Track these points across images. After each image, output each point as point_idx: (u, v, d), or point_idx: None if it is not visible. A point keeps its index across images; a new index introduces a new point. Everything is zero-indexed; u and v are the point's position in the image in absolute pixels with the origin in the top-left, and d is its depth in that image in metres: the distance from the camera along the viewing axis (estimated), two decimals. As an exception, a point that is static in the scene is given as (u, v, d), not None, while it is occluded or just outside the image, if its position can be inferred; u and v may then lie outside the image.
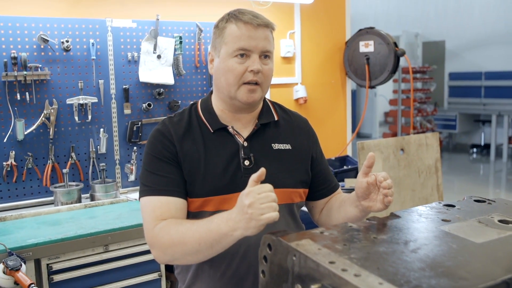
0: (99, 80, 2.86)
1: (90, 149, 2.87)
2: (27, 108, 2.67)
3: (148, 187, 1.36)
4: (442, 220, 1.04)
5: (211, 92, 1.51)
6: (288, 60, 3.64)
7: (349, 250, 0.87)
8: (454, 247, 0.89)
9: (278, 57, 3.55)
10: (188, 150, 1.39)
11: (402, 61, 4.39)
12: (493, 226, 0.99)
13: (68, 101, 2.77)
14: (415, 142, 2.81)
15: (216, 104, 1.47)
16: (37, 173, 2.72)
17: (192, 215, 1.38)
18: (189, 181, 1.37)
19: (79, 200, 2.69)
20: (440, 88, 10.25)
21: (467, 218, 1.05)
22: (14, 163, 2.64)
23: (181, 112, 1.49)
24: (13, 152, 2.64)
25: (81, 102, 2.79)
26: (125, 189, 2.98)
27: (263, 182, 1.15)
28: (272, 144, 1.46)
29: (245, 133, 1.45)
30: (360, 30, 3.80)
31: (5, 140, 2.62)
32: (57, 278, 2.06)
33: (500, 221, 1.02)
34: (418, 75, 9.44)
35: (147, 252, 2.12)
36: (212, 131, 1.43)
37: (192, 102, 1.54)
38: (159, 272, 2.32)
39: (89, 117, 2.82)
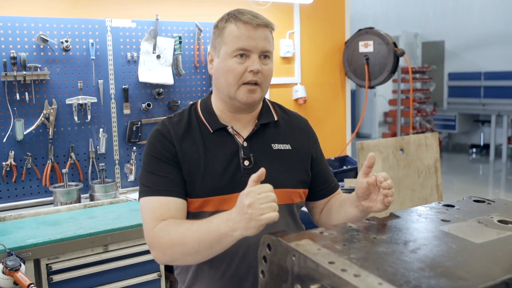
0: (99, 80, 2.86)
1: (90, 149, 2.86)
2: (27, 108, 2.67)
3: (148, 188, 1.36)
4: (442, 220, 1.04)
5: (211, 92, 1.51)
6: (287, 60, 3.64)
7: (349, 250, 0.87)
8: (453, 247, 0.89)
9: (277, 57, 3.55)
10: (187, 150, 1.39)
11: (402, 61, 4.39)
12: (492, 226, 0.99)
13: (68, 101, 2.77)
14: (414, 142, 2.81)
15: (216, 104, 1.47)
16: (36, 173, 2.72)
17: (191, 215, 1.38)
18: (188, 181, 1.37)
19: (78, 200, 2.68)
20: (439, 88, 10.25)
21: (466, 218, 1.05)
22: (13, 163, 2.64)
23: (181, 113, 1.49)
24: (13, 152, 2.64)
25: (80, 102, 2.79)
26: (124, 189, 2.98)
27: (263, 182, 1.15)
28: (272, 144, 1.46)
29: (245, 133, 1.45)
30: (360, 30, 3.80)
31: (4, 140, 2.61)
32: (57, 278, 2.06)
33: (499, 221, 1.02)
34: (417, 75, 9.44)
35: (147, 252, 2.12)
36: (211, 131, 1.43)
37: (191, 103, 1.53)
38: (159, 272, 2.31)
39: (89, 117, 2.82)
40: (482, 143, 10.10)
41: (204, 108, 1.47)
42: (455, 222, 1.02)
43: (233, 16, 1.39)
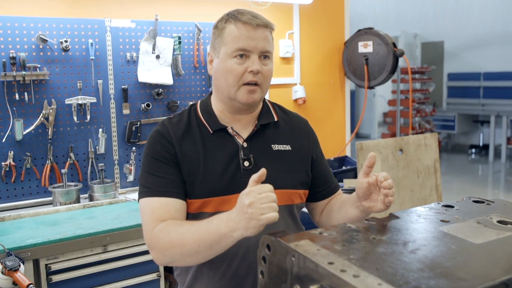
0: (98, 80, 2.86)
1: (89, 149, 2.86)
2: (26, 108, 2.67)
3: (147, 188, 1.36)
4: (441, 220, 1.04)
5: (211, 93, 1.51)
6: (287, 60, 3.65)
7: (348, 250, 0.87)
8: (453, 247, 0.89)
9: (277, 57, 3.55)
10: (187, 151, 1.39)
11: (401, 62, 4.39)
12: (492, 227, 0.99)
13: (67, 101, 2.77)
14: (414, 142, 2.81)
15: (216, 105, 1.47)
16: (35, 173, 2.71)
17: (191, 216, 1.38)
18: (188, 182, 1.37)
19: (77, 201, 2.68)
20: (438, 88, 10.26)
21: (466, 218, 1.05)
22: (12, 163, 2.64)
23: (181, 113, 1.49)
24: (12, 152, 2.64)
25: (80, 102, 2.79)
26: (124, 189, 2.98)
27: (263, 182, 1.15)
28: (272, 145, 1.46)
29: (245, 134, 1.44)
30: (359, 30, 3.81)
31: (3, 140, 2.61)
32: (56, 278, 2.06)
33: (499, 221, 1.02)
34: (417, 76, 9.45)
35: (146, 252, 2.12)
36: (211, 132, 1.42)
37: (191, 103, 1.53)
38: (158, 273, 2.31)
39: (88, 117, 2.82)
40: (481, 144, 10.11)
41: (204, 109, 1.47)
42: (455, 223, 1.02)
43: (233, 16, 1.39)
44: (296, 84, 3.69)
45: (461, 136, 10.35)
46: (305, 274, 0.83)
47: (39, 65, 2.66)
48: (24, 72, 2.60)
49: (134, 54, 2.96)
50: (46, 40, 2.66)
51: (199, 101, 1.52)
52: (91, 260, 2.14)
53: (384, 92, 10.03)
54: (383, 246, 0.89)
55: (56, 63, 2.74)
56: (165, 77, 3.04)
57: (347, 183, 3.07)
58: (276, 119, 1.51)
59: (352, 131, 4.16)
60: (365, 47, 3.75)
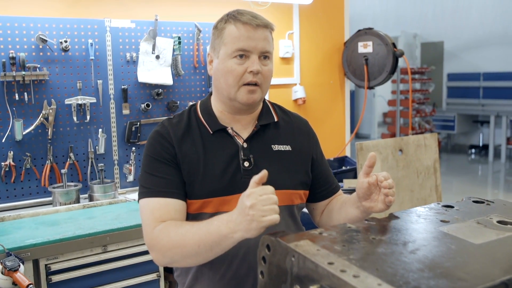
0: (98, 80, 2.85)
1: (89, 150, 2.86)
2: (26, 108, 2.67)
3: (147, 189, 1.36)
4: (441, 221, 1.04)
5: (211, 94, 1.51)
6: (286, 60, 3.65)
7: (348, 251, 0.87)
8: (452, 248, 0.89)
9: (276, 57, 3.55)
10: (187, 152, 1.39)
11: (401, 62, 4.39)
12: (491, 227, 0.99)
13: (67, 101, 2.76)
14: (413, 142, 2.81)
15: (216, 105, 1.47)
16: (35, 174, 2.71)
17: (191, 216, 1.38)
18: (188, 183, 1.37)
19: (77, 201, 2.68)
20: (438, 88, 10.26)
21: (465, 219, 1.05)
22: (12, 163, 2.64)
23: (180, 114, 1.48)
24: (12, 152, 2.64)
25: (79, 102, 2.79)
26: (123, 189, 2.98)
27: (263, 184, 1.15)
28: (272, 145, 1.46)
29: (245, 134, 1.44)
30: (359, 30, 3.81)
31: (3, 140, 2.61)
32: (56, 278, 2.06)
33: (498, 222, 1.02)
34: (416, 76, 9.45)
35: (146, 252, 2.12)
36: (211, 132, 1.42)
37: (191, 104, 1.53)
38: (158, 273, 2.31)
39: (88, 117, 2.82)
40: (481, 144, 10.11)
41: (204, 109, 1.47)
42: (454, 223, 1.02)
43: (233, 17, 1.39)
44: (296, 84, 3.69)
45: (461, 136, 10.35)
46: (305, 275, 0.83)
47: (38, 65, 2.66)
48: (23, 72, 2.60)
49: (134, 54, 2.96)
50: (46, 40, 2.66)
51: (199, 102, 1.52)
52: (91, 260, 2.14)
53: (383, 92, 10.03)
54: (383, 247, 0.89)
55: (55, 63, 2.74)
56: (165, 77, 3.04)
57: (347, 183, 3.07)
58: (276, 120, 1.50)
59: (352, 131, 4.17)
60: (365, 47, 3.75)
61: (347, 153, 3.93)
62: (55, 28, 2.72)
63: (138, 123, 2.99)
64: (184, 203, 1.36)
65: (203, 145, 1.40)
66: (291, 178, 1.45)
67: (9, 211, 2.59)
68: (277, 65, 3.54)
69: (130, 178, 2.98)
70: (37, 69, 2.65)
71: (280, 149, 1.46)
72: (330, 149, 3.77)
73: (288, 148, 1.47)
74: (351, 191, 2.79)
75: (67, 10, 2.80)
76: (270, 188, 1.12)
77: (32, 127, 2.68)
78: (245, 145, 1.42)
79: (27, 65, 2.61)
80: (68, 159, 2.80)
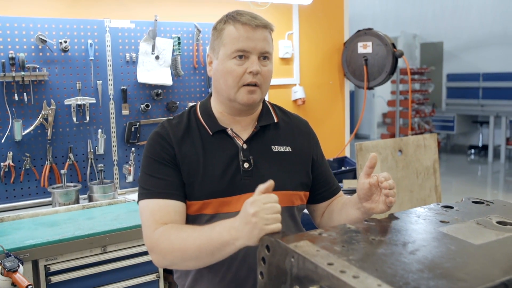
0: (97, 81, 2.85)
1: (88, 150, 2.86)
2: (25, 108, 2.67)
3: (147, 190, 1.35)
4: (441, 221, 1.04)
5: (210, 95, 1.51)
6: (286, 61, 3.65)
7: (348, 251, 0.87)
8: (452, 248, 0.89)
9: (276, 58, 3.55)
10: (186, 153, 1.38)
11: (400, 62, 4.39)
12: (491, 228, 0.99)
13: (66, 102, 2.76)
14: (413, 143, 2.81)
15: (216, 106, 1.47)
16: (35, 174, 2.71)
17: (191, 218, 1.37)
18: (187, 184, 1.36)
19: (77, 201, 2.68)
20: (438, 89, 10.27)
21: (465, 219, 1.05)
22: (12, 163, 2.64)
23: (180, 115, 1.48)
24: (11, 152, 2.64)
25: (79, 102, 2.78)
26: (123, 190, 2.98)
27: (263, 182, 1.14)
28: (272, 146, 1.45)
29: (245, 135, 1.44)
30: (359, 31, 3.81)
31: (3, 141, 2.61)
32: (55, 279, 2.06)
33: (498, 222, 1.02)
34: (416, 76, 9.45)
35: (145, 253, 2.11)
36: (211, 133, 1.42)
37: (191, 105, 1.53)
38: (157, 274, 2.31)
39: (87, 117, 2.81)
40: (480, 144, 10.11)
41: (204, 111, 1.47)
42: (454, 224, 1.02)
43: (232, 17, 1.39)
44: (295, 84, 3.69)
45: (460, 136, 10.36)
46: (304, 275, 0.83)
47: (38, 66, 2.66)
48: (23, 73, 2.60)
49: (134, 55, 2.96)
50: (46, 41, 2.66)
51: (199, 103, 1.51)
52: (90, 261, 2.14)
53: (383, 93, 10.03)
54: (383, 247, 0.89)
55: (55, 64, 2.74)
56: (164, 78, 3.04)
57: (347, 183, 3.07)
58: (276, 121, 1.50)
59: (351, 131, 4.17)
60: (365, 47, 3.75)
61: (347, 153, 3.93)
62: (54, 29, 2.72)
63: (138, 123, 2.99)
64: (184, 204, 1.36)
65: (203, 146, 1.40)
66: (291, 179, 1.44)
67: (8, 211, 2.59)
68: (276, 65, 3.54)
69: (130, 178, 2.98)
70: (37, 69, 2.65)
71: (280, 150, 1.46)
72: (330, 150, 3.77)
73: (288, 149, 1.47)
74: (350, 191, 2.79)
75: (66, 10, 2.79)
76: (274, 197, 1.11)
77: (32, 127, 2.68)
78: (245, 146, 1.42)
79: (26, 65, 2.61)
80: (68, 160, 2.80)
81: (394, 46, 3.69)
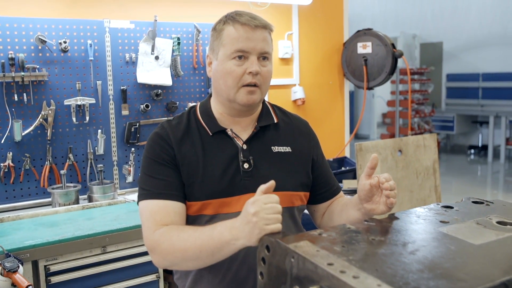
0: (97, 81, 2.85)
1: (88, 150, 2.86)
2: (25, 109, 2.67)
3: (147, 191, 1.35)
4: (440, 221, 1.04)
5: (210, 95, 1.51)
6: (286, 61, 3.65)
7: (348, 251, 0.87)
8: (452, 248, 0.89)
9: (276, 58, 3.55)
10: (186, 153, 1.38)
11: (400, 63, 4.39)
12: (491, 228, 0.99)
13: (66, 102, 2.76)
14: (413, 143, 2.81)
15: (215, 107, 1.46)
16: (34, 174, 2.71)
17: (191, 218, 1.37)
18: (187, 184, 1.36)
19: (76, 202, 2.68)
20: (437, 89, 10.27)
21: (465, 219, 1.05)
22: (11, 164, 2.64)
23: (180, 115, 1.48)
24: (11, 153, 2.64)
25: (78, 103, 2.78)
26: (123, 190, 2.97)
27: (263, 182, 1.14)
28: (272, 147, 1.45)
29: (245, 136, 1.44)
30: (358, 31, 3.81)
31: (2, 141, 2.61)
32: (55, 279, 2.06)
33: (498, 222, 1.02)
34: (415, 77, 9.45)
35: (145, 253, 2.11)
36: (210, 134, 1.42)
37: (191, 105, 1.53)
38: (157, 274, 2.31)
39: (87, 118, 2.81)
40: (480, 144, 10.11)
41: (203, 111, 1.47)
42: (454, 224, 1.02)
43: (231, 18, 1.39)
44: (295, 85, 3.69)
45: (460, 136, 10.36)
46: (304, 275, 0.83)
47: (38, 66, 2.66)
48: (23, 73, 2.60)
49: (133, 55, 2.96)
50: (45, 41, 2.66)
51: (199, 103, 1.51)
52: (90, 261, 2.14)
53: (383, 93, 10.04)
54: (383, 247, 0.89)
55: (55, 64, 2.74)
56: (164, 78, 3.04)
57: (346, 183, 3.07)
58: (276, 121, 1.50)
59: (351, 131, 4.17)
60: (364, 48, 3.75)
61: (347, 153, 3.93)
62: (54, 29, 2.72)
63: (138, 123, 2.99)
64: (183, 205, 1.36)
65: (203, 147, 1.40)
66: (291, 180, 1.44)
67: (8, 212, 2.59)
68: (276, 65, 3.54)
69: (130, 179, 2.97)
70: (36, 69, 2.65)
71: (280, 150, 1.45)
72: (330, 150, 3.77)
73: (288, 149, 1.47)
74: (350, 191, 2.79)
75: (66, 10, 2.79)
76: (275, 197, 1.11)
77: (31, 128, 2.68)
78: (244, 146, 1.42)
79: (26, 65, 2.61)
80: (68, 160, 2.79)
81: (393, 46, 3.69)
